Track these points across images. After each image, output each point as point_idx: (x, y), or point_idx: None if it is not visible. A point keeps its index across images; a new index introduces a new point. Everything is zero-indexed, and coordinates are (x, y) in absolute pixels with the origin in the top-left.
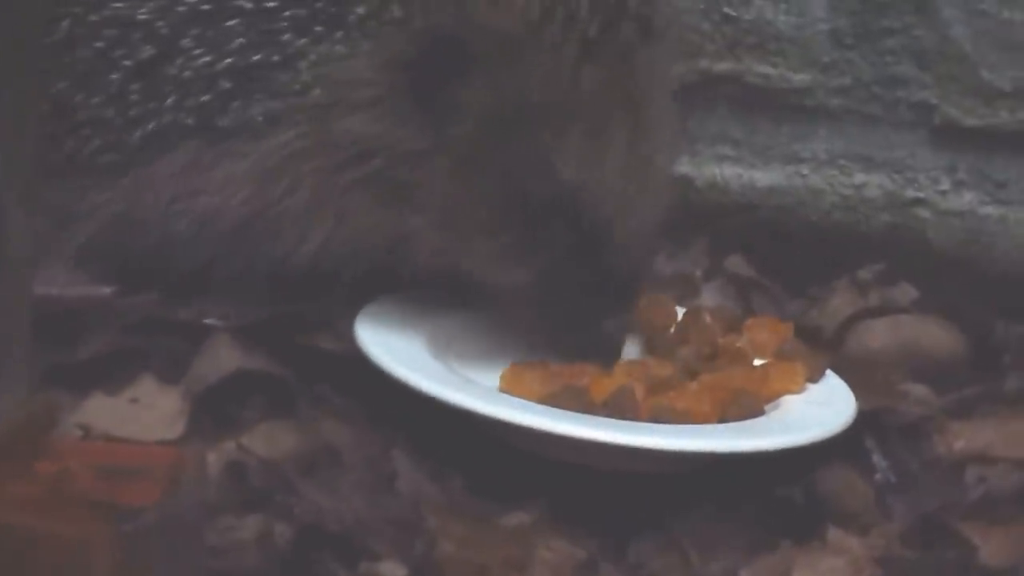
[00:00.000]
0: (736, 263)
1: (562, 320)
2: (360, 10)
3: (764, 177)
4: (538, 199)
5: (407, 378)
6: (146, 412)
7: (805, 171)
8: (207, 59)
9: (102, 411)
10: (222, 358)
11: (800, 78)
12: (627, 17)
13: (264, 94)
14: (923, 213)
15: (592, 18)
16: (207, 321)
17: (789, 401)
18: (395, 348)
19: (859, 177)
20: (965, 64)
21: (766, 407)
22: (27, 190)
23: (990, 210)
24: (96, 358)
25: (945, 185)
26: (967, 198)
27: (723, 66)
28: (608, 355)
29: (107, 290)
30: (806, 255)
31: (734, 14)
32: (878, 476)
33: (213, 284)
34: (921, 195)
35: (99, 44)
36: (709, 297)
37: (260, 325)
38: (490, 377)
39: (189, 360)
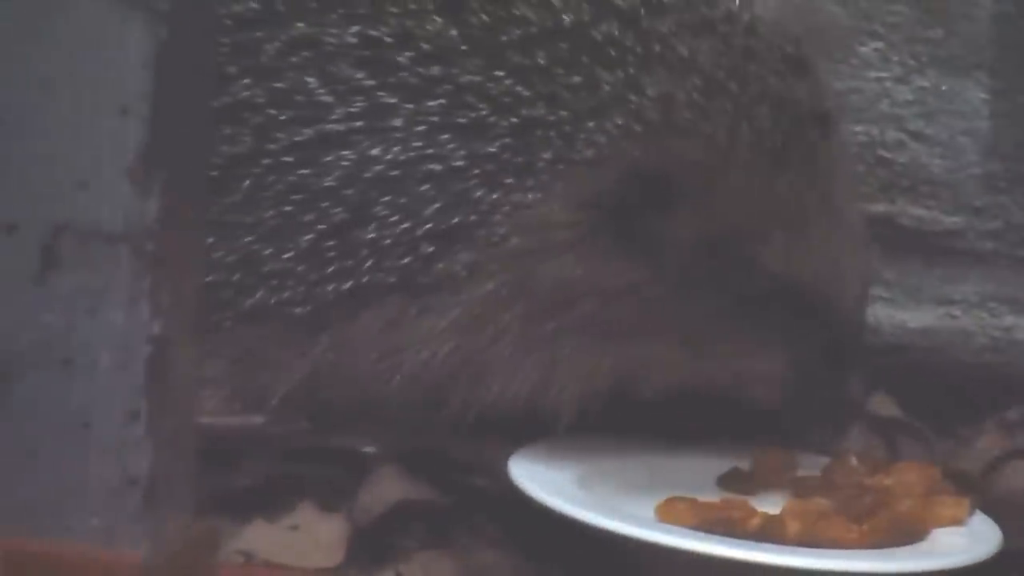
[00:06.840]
0: (882, 403)
1: (812, 396)
2: (547, 155)
3: (915, 318)
4: (761, 297)
5: (568, 510)
6: (306, 539)
7: (956, 313)
8: (405, 225)
9: (263, 538)
10: (387, 489)
11: (952, 221)
12: (807, 119)
13: (464, 250)
14: None
15: (776, 129)
16: (365, 450)
17: (935, 534)
18: (551, 483)
19: (1008, 319)
20: None
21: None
22: (193, 322)
23: None
24: (256, 485)
25: None
26: None
27: (877, 208)
28: (853, 413)
29: (259, 419)
30: (955, 396)
31: (889, 156)
32: None
33: (378, 417)
34: None
35: (287, 208)
36: (852, 438)
37: (418, 456)
38: (642, 511)
39: (348, 488)
